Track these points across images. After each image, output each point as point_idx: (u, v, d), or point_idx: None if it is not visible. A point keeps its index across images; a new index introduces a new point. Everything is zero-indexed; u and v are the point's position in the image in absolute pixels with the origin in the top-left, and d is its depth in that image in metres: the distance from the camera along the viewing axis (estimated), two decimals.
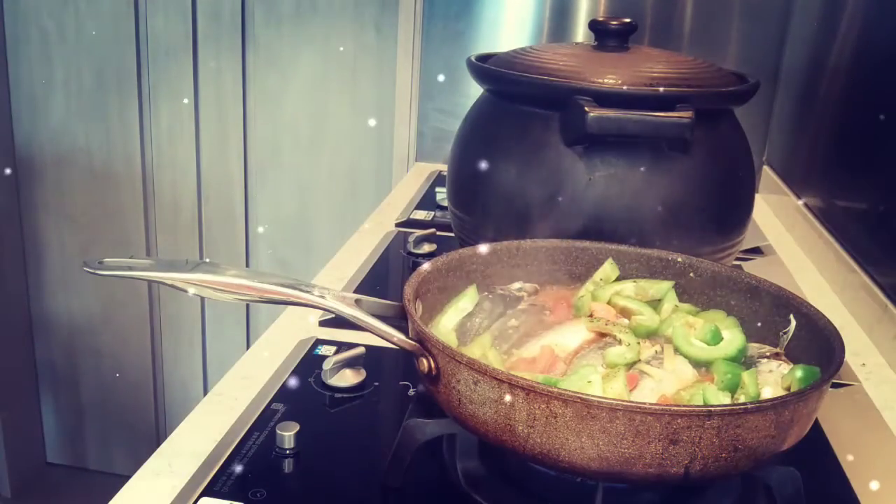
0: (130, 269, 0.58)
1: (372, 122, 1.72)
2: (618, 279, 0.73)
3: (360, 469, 0.64)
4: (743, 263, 1.11)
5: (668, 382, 0.59)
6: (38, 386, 2.05)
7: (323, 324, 0.88)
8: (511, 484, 0.62)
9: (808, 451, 0.58)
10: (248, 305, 1.89)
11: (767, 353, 0.64)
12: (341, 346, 0.81)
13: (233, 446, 0.65)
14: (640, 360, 0.61)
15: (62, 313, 1.98)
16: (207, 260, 1.30)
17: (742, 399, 0.58)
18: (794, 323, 0.65)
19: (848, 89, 1.17)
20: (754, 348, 0.65)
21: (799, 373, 0.60)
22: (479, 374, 0.53)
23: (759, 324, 0.68)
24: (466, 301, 0.69)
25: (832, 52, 1.24)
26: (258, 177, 1.81)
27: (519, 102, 0.85)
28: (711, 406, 0.54)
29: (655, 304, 0.71)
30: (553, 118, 0.81)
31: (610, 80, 0.80)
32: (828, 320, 0.62)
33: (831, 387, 0.56)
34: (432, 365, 0.57)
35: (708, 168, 0.82)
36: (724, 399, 0.57)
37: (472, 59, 0.90)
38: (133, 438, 2.04)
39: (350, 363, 0.76)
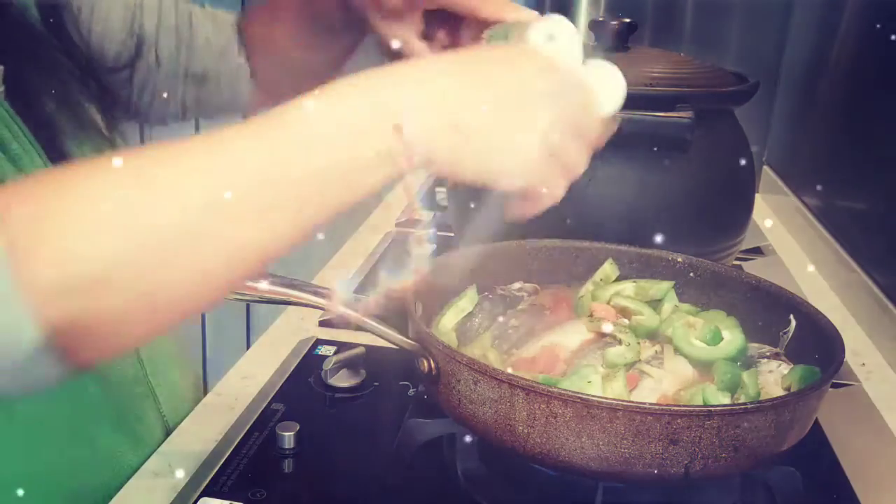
0: None
1: None
2: (618, 279, 0.73)
3: (360, 469, 0.64)
4: (743, 263, 1.11)
5: (668, 382, 0.59)
6: None
7: (323, 324, 0.88)
8: (511, 484, 0.62)
9: (808, 451, 0.58)
10: (248, 305, 1.88)
11: (767, 353, 0.64)
12: (341, 346, 0.81)
13: (233, 446, 0.65)
14: (640, 360, 0.61)
15: None
16: None
17: (742, 399, 0.58)
18: (793, 323, 0.65)
19: (848, 89, 1.17)
20: (754, 348, 0.65)
21: (799, 373, 0.60)
22: (479, 374, 0.53)
23: (759, 324, 0.68)
24: (466, 301, 0.69)
25: (832, 52, 1.24)
26: None
27: None
28: (711, 406, 0.54)
29: (655, 304, 0.71)
30: None
31: None
32: (828, 320, 0.62)
33: (831, 387, 0.56)
34: (432, 365, 0.57)
35: (708, 168, 0.82)
36: (724, 399, 0.57)
37: None
38: None
39: (350, 363, 0.76)
